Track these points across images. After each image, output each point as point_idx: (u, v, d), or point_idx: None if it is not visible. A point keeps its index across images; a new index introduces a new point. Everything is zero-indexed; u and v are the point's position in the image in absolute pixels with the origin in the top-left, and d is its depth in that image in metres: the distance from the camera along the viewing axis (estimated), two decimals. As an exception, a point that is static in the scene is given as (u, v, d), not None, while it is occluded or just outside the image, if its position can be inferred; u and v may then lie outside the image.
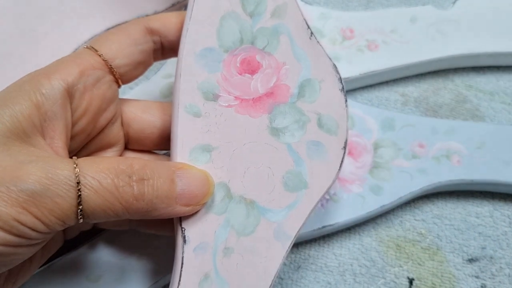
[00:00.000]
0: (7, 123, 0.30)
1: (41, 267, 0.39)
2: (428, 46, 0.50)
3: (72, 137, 0.34)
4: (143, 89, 0.48)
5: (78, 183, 0.29)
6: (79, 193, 0.29)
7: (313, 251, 0.44)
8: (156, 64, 0.40)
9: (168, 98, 0.48)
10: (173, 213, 0.33)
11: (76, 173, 0.29)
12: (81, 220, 0.30)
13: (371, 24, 0.51)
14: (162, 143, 0.39)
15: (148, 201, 0.31)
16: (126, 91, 0.48)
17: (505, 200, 0.46)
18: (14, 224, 0.28)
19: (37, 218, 0.28)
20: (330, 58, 0.38)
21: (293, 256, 0.44)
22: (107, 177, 0.30)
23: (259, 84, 0.36)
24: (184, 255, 0.33)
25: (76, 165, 0.29)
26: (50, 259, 0.39)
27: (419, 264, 0.43)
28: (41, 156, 0.30)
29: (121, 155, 0.38)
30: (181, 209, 0.33)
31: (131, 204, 0.31)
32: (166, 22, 0.37)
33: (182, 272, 0.33)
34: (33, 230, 0.28)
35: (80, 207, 0.29)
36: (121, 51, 0.36)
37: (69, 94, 0.33)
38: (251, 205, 0.35)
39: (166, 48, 0.38)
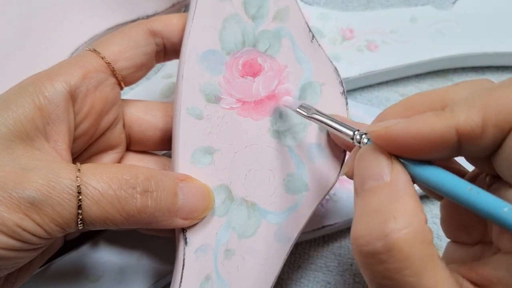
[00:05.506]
0: (10, 126, 0.30)
1: (41, 267, 0.39)
2: (428, 46, 0.50)
3: (74, 140, 0.34)
4: (143, 89, 0.48)
5: (79, 192, 0.29)
6: (80, 203, 0.29)
7: (313, 251, 0.44)
8: (156, 65, 0.40)
9: (168, 98, 0.48)
10: (172, 226, 0.33)
11: (78, 182, 0.29)
12: (81, 227, 0.30)
13: (371, 24, 0.51)
14: (164, 144, 0.39)
15: (150, 214, 0.31)
16: (127, 91, 0.48)
17: (504, 201, 0.46)
18: (16, 230, 0.28)
19: (38, 224, 0.28)
20: (331, 62, 0.38)
21: (293, 256, 0.44)
22: (109, 188, 0.30)
23: (260, 87, 0.36)
24: (185, 256, 0.33)
25: (79, 172, 0.30)
26: (50, 259, 0.39)
27: (419, 264, 0.44)
28: (45, 160, 0.30)
29: (122, 156, 0.39)
30: (180, 222, 0.33)
31: (132, 216, 0.31)
32: (169, 24, 0.37)
33: (183, 274, 0.33)
34: (35, 235, 0.28)
35: (80, 216, 0.29)
36: (124, 54, 0.36)
37: (72, 96, 0.33)
38: (252, 207, 0.35)
39: (169, 50, 0.38)
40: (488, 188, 0.28)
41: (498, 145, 0.26)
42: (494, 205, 0.24)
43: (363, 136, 0.30)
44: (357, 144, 0.30)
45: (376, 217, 0.25)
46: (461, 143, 0.26)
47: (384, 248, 0.24)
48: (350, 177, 0.30)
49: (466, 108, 0.25)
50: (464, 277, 0.27)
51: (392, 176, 0.27)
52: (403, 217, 0.25)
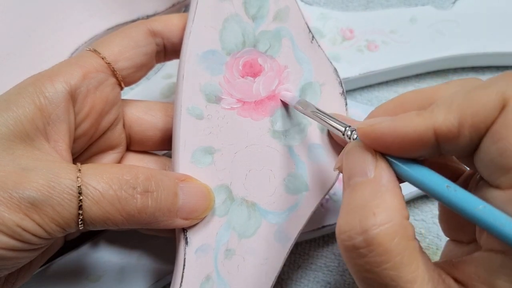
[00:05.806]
0: (11, 126, 0.30)
1: (41, 266, 0.39)
2: (428, 46, 0.50)
3: (74, 140, 0.34)
4: (143, 89, 0.48)
5: (80, 193, 0.29)
6: (80, 204, 0.29)
7: (313, 251, 0.44)
8: (156, 65, 0.40)
9: (168, 99, 0.48)
10: (172, 226, 0.33)
11: (78, 183, 0.29)
12: (82, 228, 0.30)
13: (371, 24, 0.51)
14: (164, 144, 0.39)
15: (150, 214, 0.31)
16: (127, 91, 0.48)
17: (504, 201, 0.46)
18: (17, 230, 0.28)
19: (38, 225, 0.28)
20: (331, 62, 0.38)
21: (293, 256, 0.44)
22: (109, 189, 0.30)
23: (261, 87, 0.36)
24: (186, 256, 0.33)
25: (80, 173, 0.29)
26: (50, 259, 0.39)
27: (418, 264, 0.44)
28: (45, 160, 0.30)
29: (123, 156, 0.39)
30: (180, 222, 0.33)
31: (133, 217, 0.31)
32: (169, 24, 0.37)
33: (184, 274, 0.33)
34: (35, 236, 0.28)
35: (81, 216, 0.29)
36: (124, 54, 0.36)
37: (72, 97, 0.33)
38: (252, 207, 0.35)
39: (169, 50, 0.38)
40: (475, 186, 0.28)
41: (476, 145, 0.26)
42: (470, 203, 0.25)
43: (353, 132, 0.30)
44: (347, 139, 0.31)
45: (358, 212, 0.26)
46: (440, 143, 0.26)
47: (364, 242, 0.25)
48: (342, 171, 0.30)
49: (445, 109, 0.26)
50: (448, 274, 0.27)
51: (376, 173, 0.27)
52: (384, 212, 0.25)
